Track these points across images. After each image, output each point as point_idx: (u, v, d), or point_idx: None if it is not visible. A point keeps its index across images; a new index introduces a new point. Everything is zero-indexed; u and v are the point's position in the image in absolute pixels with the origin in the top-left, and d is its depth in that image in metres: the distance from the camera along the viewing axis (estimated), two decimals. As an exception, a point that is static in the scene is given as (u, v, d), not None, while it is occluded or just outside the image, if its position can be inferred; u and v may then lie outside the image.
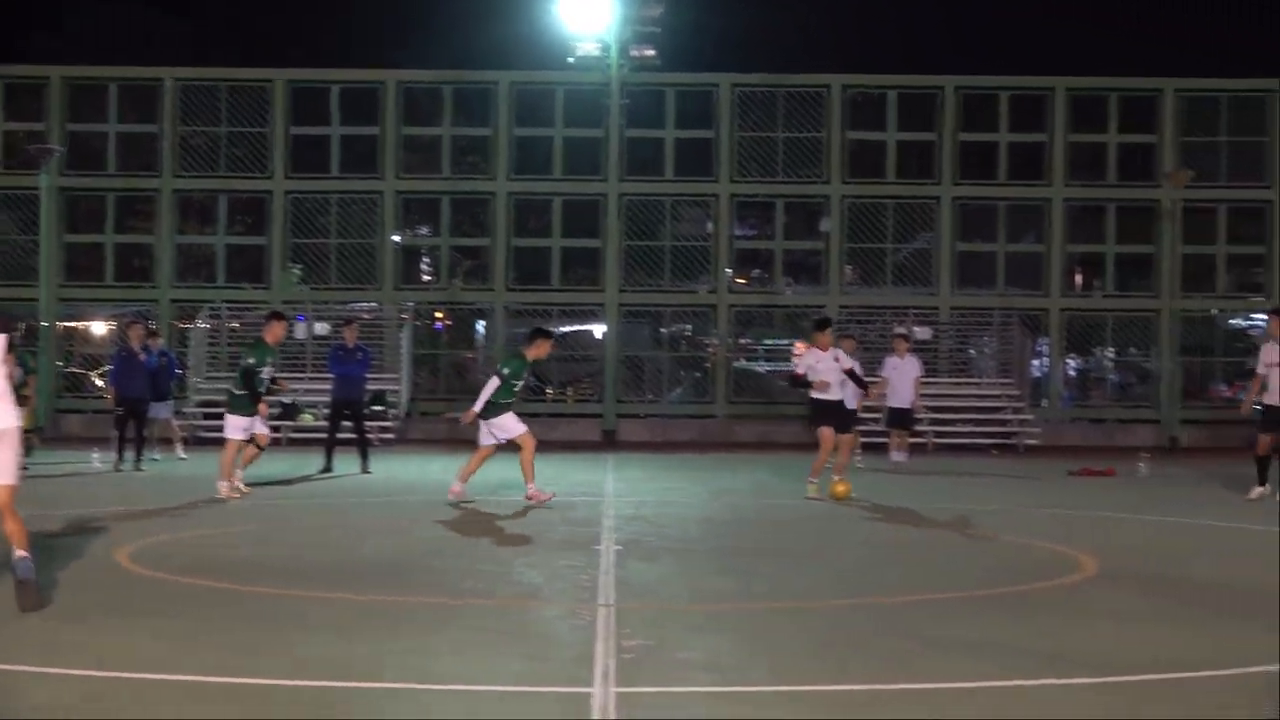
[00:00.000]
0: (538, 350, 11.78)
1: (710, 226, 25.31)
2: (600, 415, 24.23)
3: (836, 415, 12.64)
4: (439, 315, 26.31)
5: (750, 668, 5.20)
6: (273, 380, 12.24)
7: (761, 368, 25.63)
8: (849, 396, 13.41)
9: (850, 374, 12.90)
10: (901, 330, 20.95)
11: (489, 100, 25.30)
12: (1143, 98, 25.31)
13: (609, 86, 24.54)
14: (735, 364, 25.39)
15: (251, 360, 11.98)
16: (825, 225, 25.18)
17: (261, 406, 12.19)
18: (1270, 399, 12.09)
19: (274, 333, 12.28)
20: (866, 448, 18.01)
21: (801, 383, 12.64)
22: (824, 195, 25.12)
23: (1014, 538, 9.84)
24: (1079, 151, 25.24)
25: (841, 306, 24.73)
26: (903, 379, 17.05)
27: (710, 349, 25.58)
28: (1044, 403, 25.04)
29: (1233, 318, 26.12)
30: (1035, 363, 25.44)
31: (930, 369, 22.88)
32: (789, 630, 6.05)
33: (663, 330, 25.72)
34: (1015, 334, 24.72)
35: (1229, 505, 12.57)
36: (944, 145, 24.98)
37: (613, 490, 13.69)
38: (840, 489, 12.24)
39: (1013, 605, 6.75)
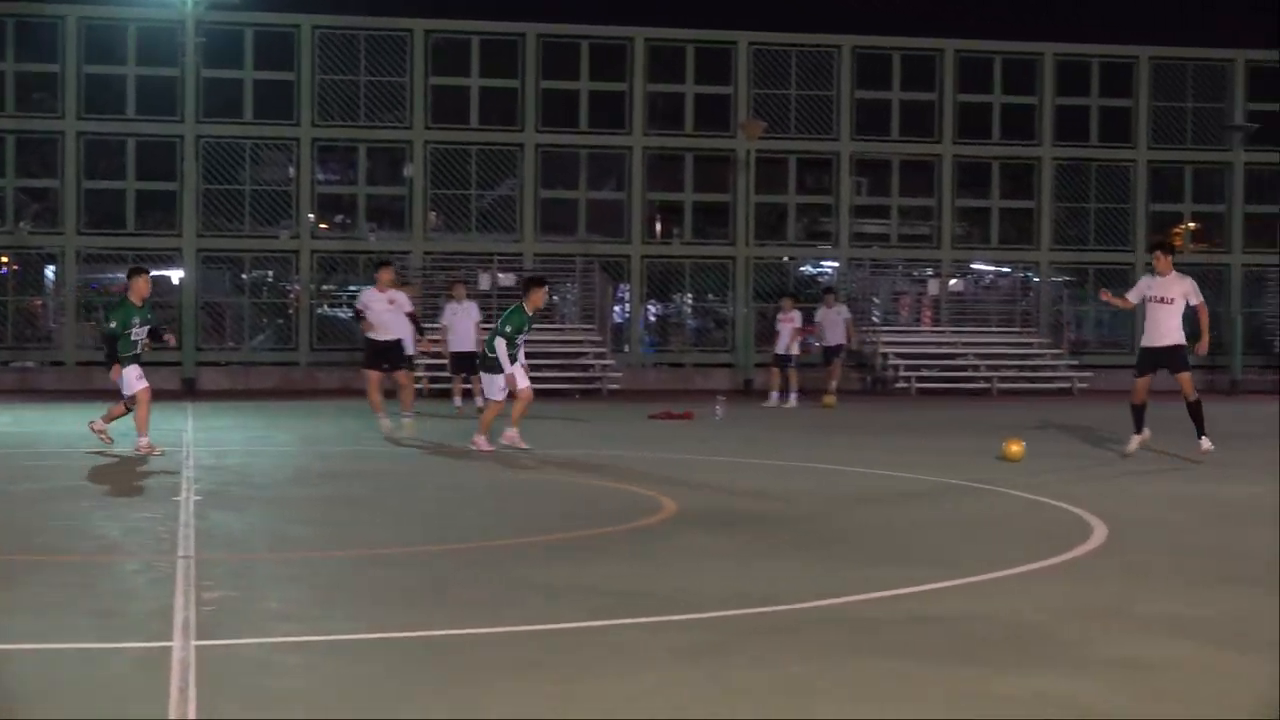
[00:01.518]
0: (535, 300, 16.34)
1: (292, 171, 34.39)
2: (179, 363, 32.86)
3: (386, 356, 19.15)
4: (3, 260, 34.32)
5: (332, 617, 6.98)
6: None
7: (345, 314, 35.02)
8: (407, 339, 20.63)
9: (411, 316, 20.44)
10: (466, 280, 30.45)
11: (55, 34, 33.43)
12: (720, 50, 35.97)
13: (184, 24, 33.01)
14: (318, 310, 34.73)
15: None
16: (408, 171, 34.72)
17: None
18: (1147, 340, 15.34)
19: None
20: (437, 394, 27.29)
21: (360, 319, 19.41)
22: (407, 140, 34.65)
23: (596, 481, 13.48)
24: (657, 101, 35.67)
25: (426, 253, 34.58)
26: (464, 323, 25.20)
27: (293, 295, 34.76)
28: (626, 348, 35.53)
29: (803, 264, 37.40)
30: (617, 309, 35.87)
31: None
32: (372, 577, 8.16)
33: (244, 276, 34.67)
34: (596, 280, 35.02)
35: (800, 445, 17.98)
36: (526, 94, 34.90)
37: (193, 440, 17.71)
38: (407, 428, 19.02)
39: (594, 547, 9.38)
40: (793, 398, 26.88)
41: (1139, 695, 5.78)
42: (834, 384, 28.45)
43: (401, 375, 19.40)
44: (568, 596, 7.63)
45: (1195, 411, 15.46)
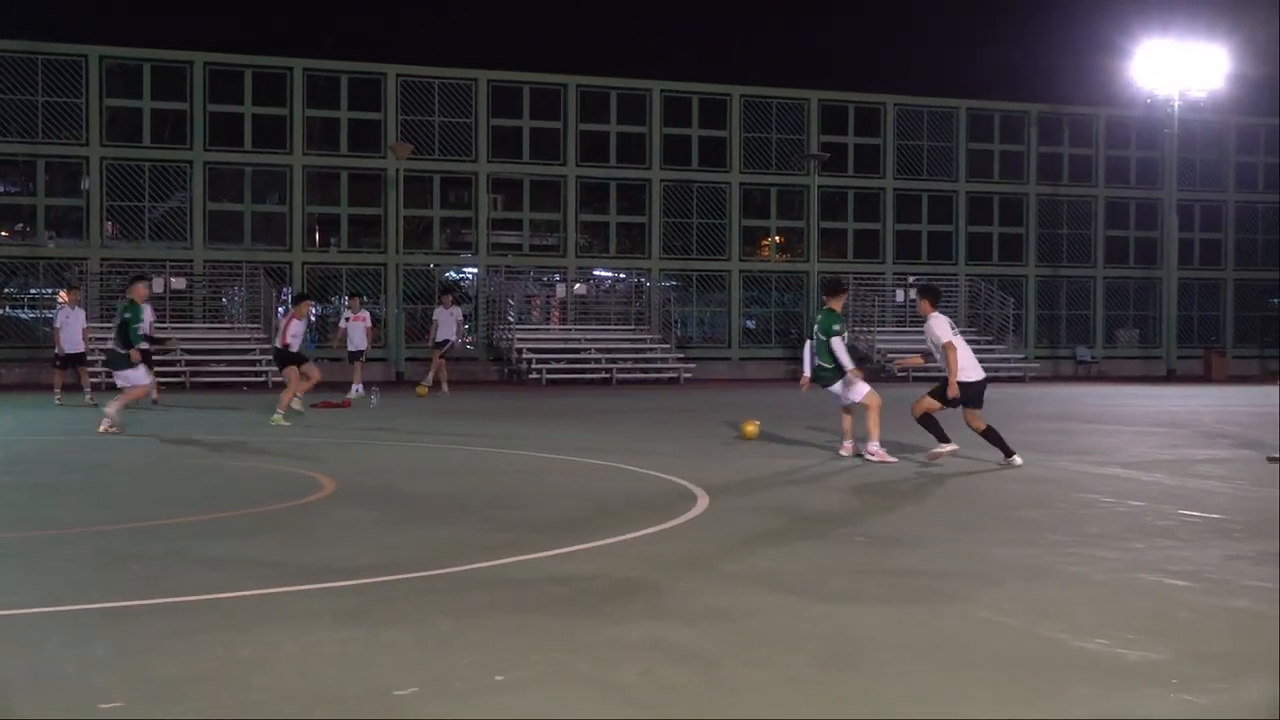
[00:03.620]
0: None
1: (-27, 184, 37.14)
2: None
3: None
4: None
5: (14, 593, 7.32)
6: None
7: (25, 315, 37.90)
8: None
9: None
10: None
11: None
12: (371, 80, 40.53)
13: None
14: (1, 312, 37.46)
15: None
16: (85, 184, 37.93)
17: None
18: (965, 375, 14.43)
19: None
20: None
21: None
22: (84, 157, 37.83)
23: (262, 463, 14.23)
24: (316, 125, 39.97)
25: (103, 260, 37.72)
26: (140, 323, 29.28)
27: (-25, 299, 37.50)
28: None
29: (447, 270, 42.34)
30: (280, 309, 39.93)
31: (186, 316, 36.80)
32: (53, 555, 8.57)
33: (-74, 281, 37.20)
34: (261, 284, 39.01)
35: (449, 428, 19.14)
36: (195, 115, 38.61)
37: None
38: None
39: (259, 523, 9.96)
40: (355, 389, 28.12)
41: (735, 639, 6.38)
42: (432, 376, 30.70)
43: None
44: (234, 568, 8.07)
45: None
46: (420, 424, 20.96)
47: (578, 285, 43.48)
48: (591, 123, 42.97)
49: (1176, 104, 45.14)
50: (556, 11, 66.68)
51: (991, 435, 14.55)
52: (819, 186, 44.12)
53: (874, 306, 44.60)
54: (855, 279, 44.41)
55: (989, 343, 44.53)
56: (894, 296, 45.60)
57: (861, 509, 11.25)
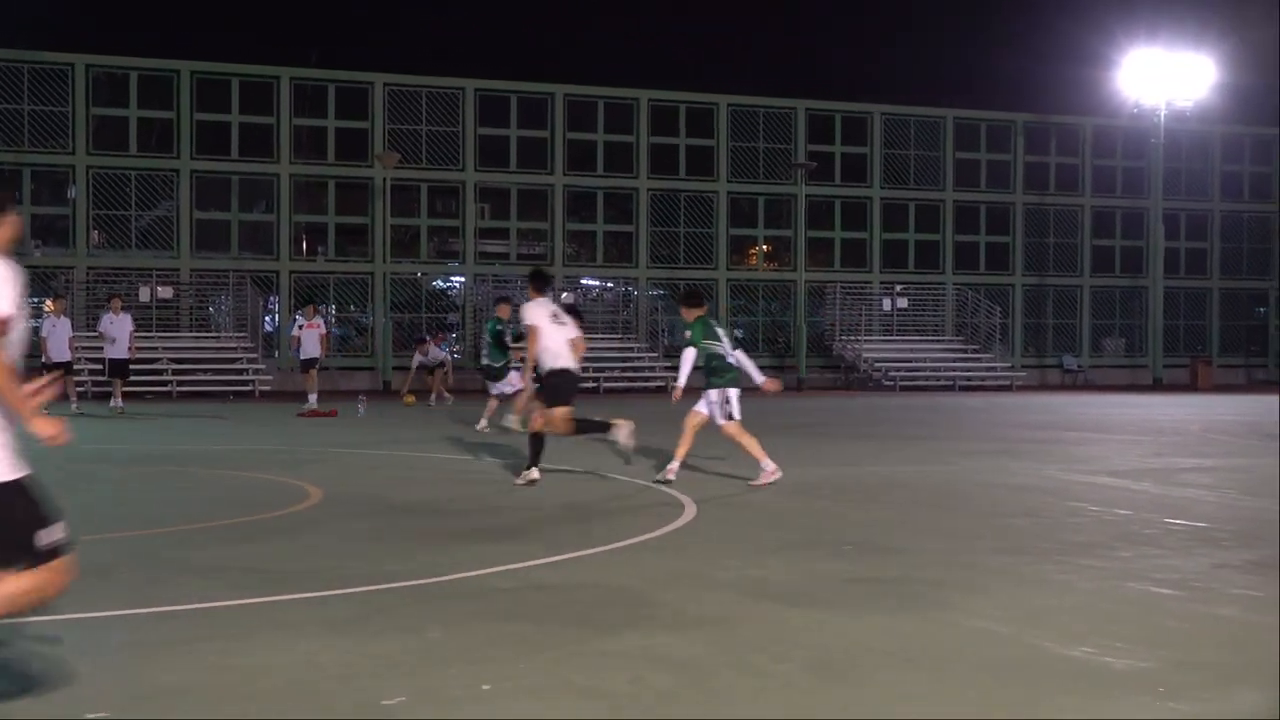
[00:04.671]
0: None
1: (-42, 192, 37.05)
2: None
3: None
4: None
5: None
6: None
7: None
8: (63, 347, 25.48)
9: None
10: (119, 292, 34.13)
11: None
12: (359, 89, 40.55)
13: None
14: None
15: None
16: (72, 193, 37.88)
17: None
18: (553, 364, 13.44)
19: None
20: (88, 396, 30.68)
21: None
22: (70, 165, 37.81)
23: (251, 472, 14.20)
24: (303, 134, 39.99)
25: (90, 268, 37.66)
26: (121, 333, 28.32)
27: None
28: (276, 354, 39.53)
29: (434, 280, 42.35)
30: (268, 318, 39.93)
31: (172, 325, 36.77)
32: None
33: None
34: (248, 293, 38.99)
35: (433, 438, 19.30)
36: (181, 124, 38.61)
37: None
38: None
39: (246, 532, 9.98)
40: (311, 398, 27.42)
41: (725, 647, 6.41)
42: (406, 386, 31.38)
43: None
44: (224, 577, 8.10)
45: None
46: (407, 433, 21.01)
47: (565, 294, 43.56)
48: (579, 132, 43.03)
49: (1163, 113, 45.33)
50: (544, 20, 66.89)
51: (537, 442, 13.55)
52: (806, 195, 44.24)
53: (860, 315, 44.70)
54: (842, 288, 44.53)
55: (976, 351, 44.66)
56: (881, 305, 45.71)
57: (848, 517, 11.25)
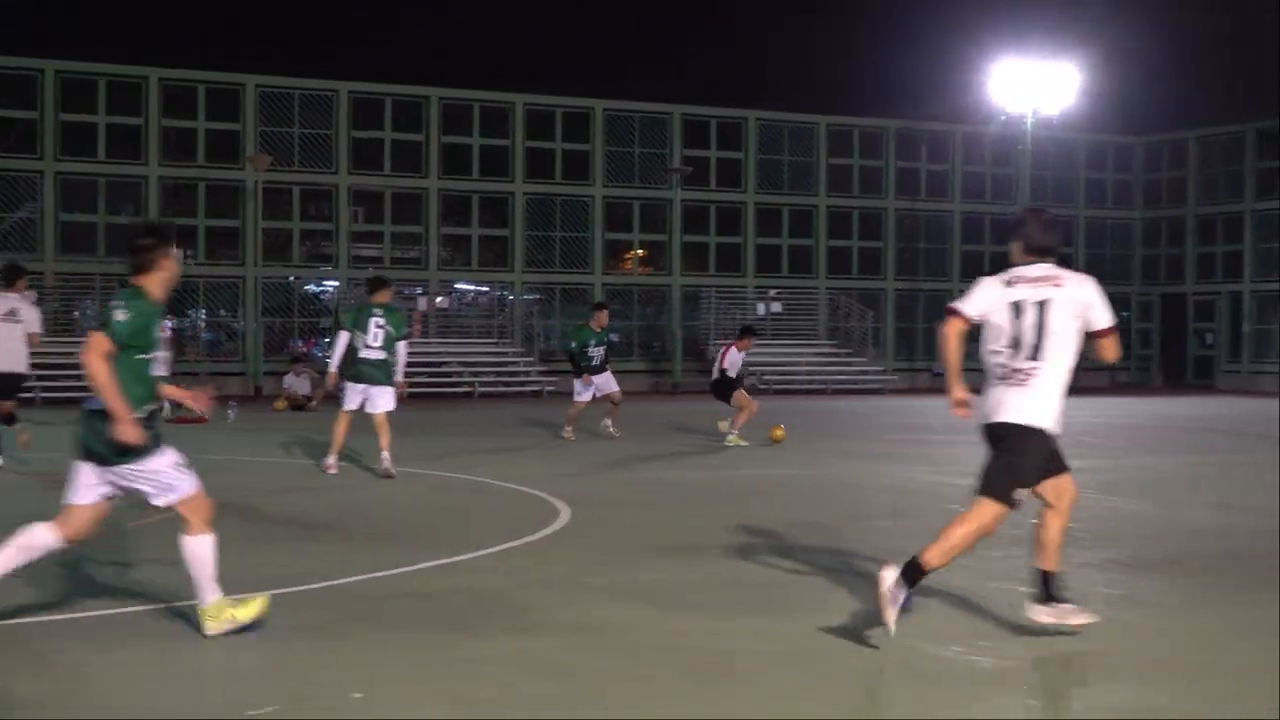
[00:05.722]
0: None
1: None
2: None
3: None
4: None
5: None
6: None
7: None
8: None
9: None
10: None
11: None
12: (230, 90, 40.00)
13: None
14: None
15: None
16: (-70, 194, 36.92)
17: None
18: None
19: None
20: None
21: None
22: (-72, 166, 36.86)
23: None
24: (171, 135, 39.35)
25: (-52, 271, 36.66)
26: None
27: None
28: (144, 358, 38.89)
29: (307, 284, 41.93)
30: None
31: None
32: None
33: None
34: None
35: (310, 445, 18.43)
36: (46, 125, 37.82)
37: None
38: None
39: (111, 541, 9.33)
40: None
41: (599, 652, 6.49)
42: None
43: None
44: (82, 587, 8.04)
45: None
46: (279, 439, 20.86)
47: (439, 299, 43.36)
48: (454, 135, 42.83)
49: (1030, 121, 46.30)
50: (415, 22, 66.52)
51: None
52: (681, 200, 44.46)
53: (735, 320, 45.04)
54: (717, 292, 44.79)
55: (849, 355, 45.21)
56: (755, 310, 46.06)
57: (721, 520, 11.28)
